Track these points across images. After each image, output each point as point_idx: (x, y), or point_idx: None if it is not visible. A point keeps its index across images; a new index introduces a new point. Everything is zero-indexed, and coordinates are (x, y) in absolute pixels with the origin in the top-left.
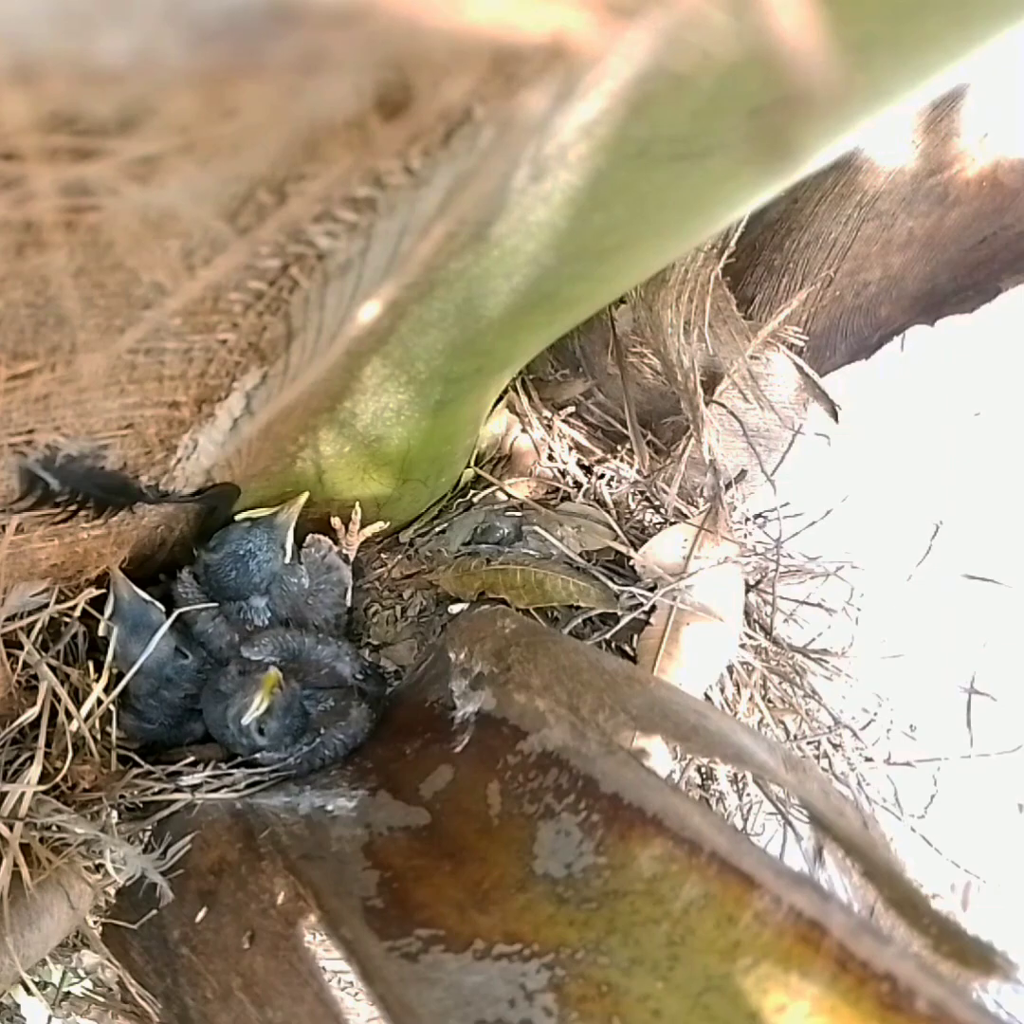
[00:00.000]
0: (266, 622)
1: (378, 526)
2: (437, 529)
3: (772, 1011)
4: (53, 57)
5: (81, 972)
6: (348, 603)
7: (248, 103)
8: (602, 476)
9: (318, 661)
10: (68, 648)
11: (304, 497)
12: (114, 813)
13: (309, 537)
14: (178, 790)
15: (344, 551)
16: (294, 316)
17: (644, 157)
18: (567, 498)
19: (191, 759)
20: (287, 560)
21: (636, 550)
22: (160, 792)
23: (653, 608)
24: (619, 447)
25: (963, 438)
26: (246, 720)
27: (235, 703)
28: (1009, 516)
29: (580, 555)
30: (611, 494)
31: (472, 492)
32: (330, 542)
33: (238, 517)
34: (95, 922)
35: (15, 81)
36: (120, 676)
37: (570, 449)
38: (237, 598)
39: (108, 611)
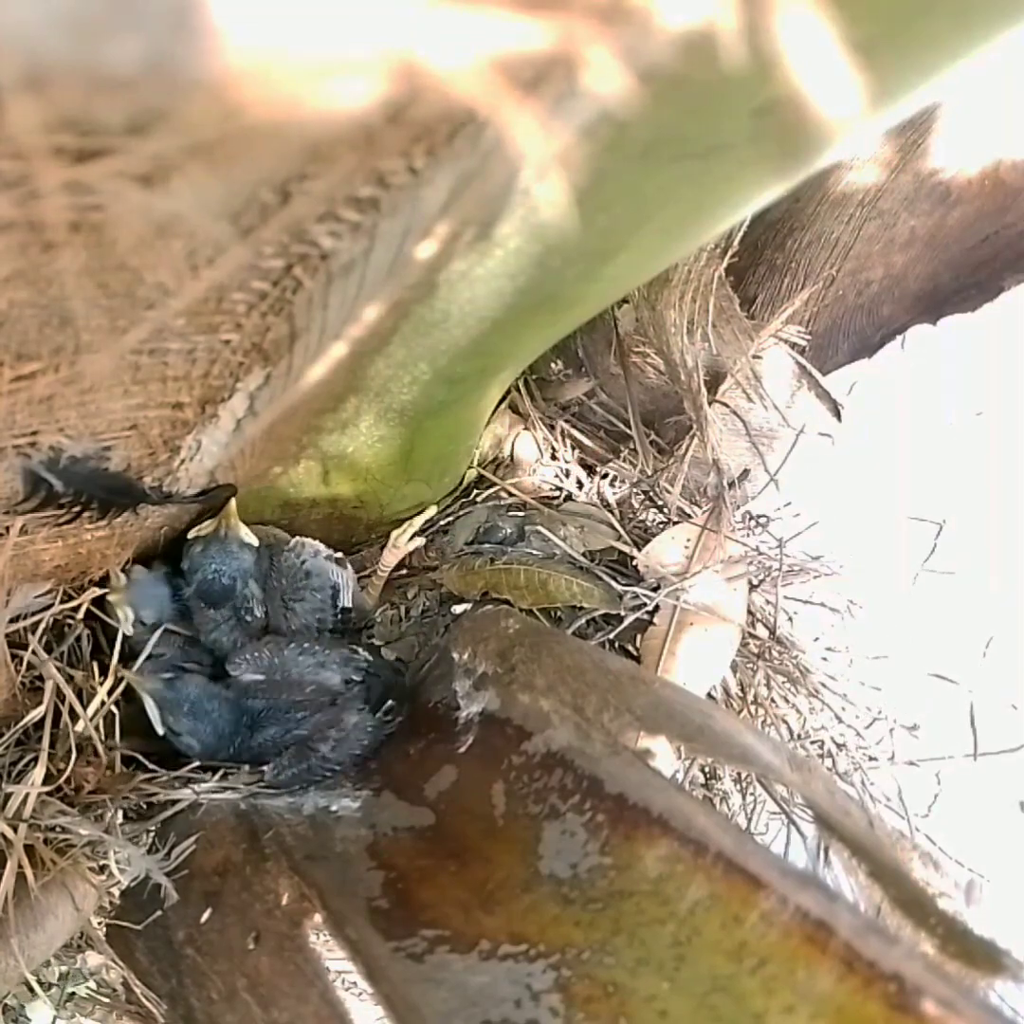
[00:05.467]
0: (262, 615)
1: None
2: (440, 529)
3: (778, 1011)
4: (63, 65)
5: (86, 973)
6: (347, 603)
7: (259, 107)
8: (605, 476)
9: (301, 677)
10: (72, 649)
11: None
12: (118, 814)
13: (293, 540)
14: (184, 787)
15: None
16: (297, 316)
17: (647, 158)
18: (570, 498)
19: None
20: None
21: (639, 550)
22: (164, 792)
23: (656, 608)
24: (622, 447)
25: (963, 438)
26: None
27: None
28: (1009, 516)
29: (583, 555)
30: (614, 494)
31: (475, 492)
32: (317, 545)
33: (189, 535)
34: (99, 923)
35: (25, 89)
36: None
37: (573, 449)
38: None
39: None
